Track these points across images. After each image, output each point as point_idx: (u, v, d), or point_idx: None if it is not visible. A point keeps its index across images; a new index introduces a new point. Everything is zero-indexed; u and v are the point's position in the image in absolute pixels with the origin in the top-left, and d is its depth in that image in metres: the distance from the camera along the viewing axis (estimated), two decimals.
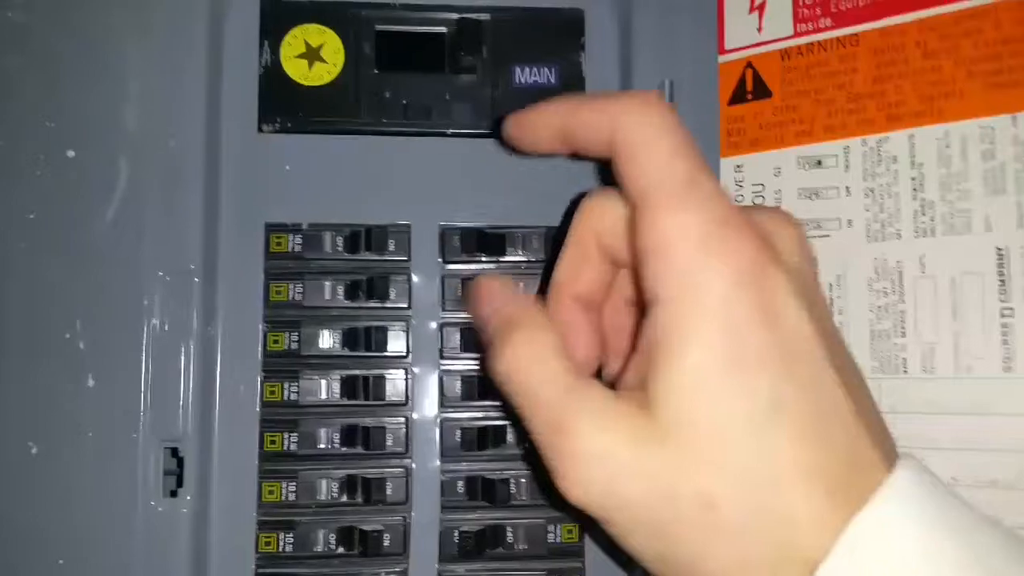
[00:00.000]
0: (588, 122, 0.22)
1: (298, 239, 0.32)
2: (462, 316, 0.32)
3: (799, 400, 0.19)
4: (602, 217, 0.23)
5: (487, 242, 0.32)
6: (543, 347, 0.22)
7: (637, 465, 0.19)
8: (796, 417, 0.18)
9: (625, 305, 0.25)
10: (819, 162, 0.30)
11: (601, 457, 0.19)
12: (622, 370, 0.24)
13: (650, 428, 0.19)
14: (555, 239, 0.32)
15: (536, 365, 0.21)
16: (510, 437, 0.32)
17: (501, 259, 0.32)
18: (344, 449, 0.31)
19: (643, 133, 0.20)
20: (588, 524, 0.29)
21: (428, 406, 0.32)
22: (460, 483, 0.31)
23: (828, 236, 0.30)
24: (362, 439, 0.31)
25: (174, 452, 0.30)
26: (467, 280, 0.32)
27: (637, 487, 0.19)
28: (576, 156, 0.24)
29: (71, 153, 0.30)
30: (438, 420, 0.32)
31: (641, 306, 0.21)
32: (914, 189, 0.28)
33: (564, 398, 0.20)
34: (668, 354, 0.19)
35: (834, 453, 0.18)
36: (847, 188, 0.30)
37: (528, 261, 0.32)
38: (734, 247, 0.19)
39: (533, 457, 0.31)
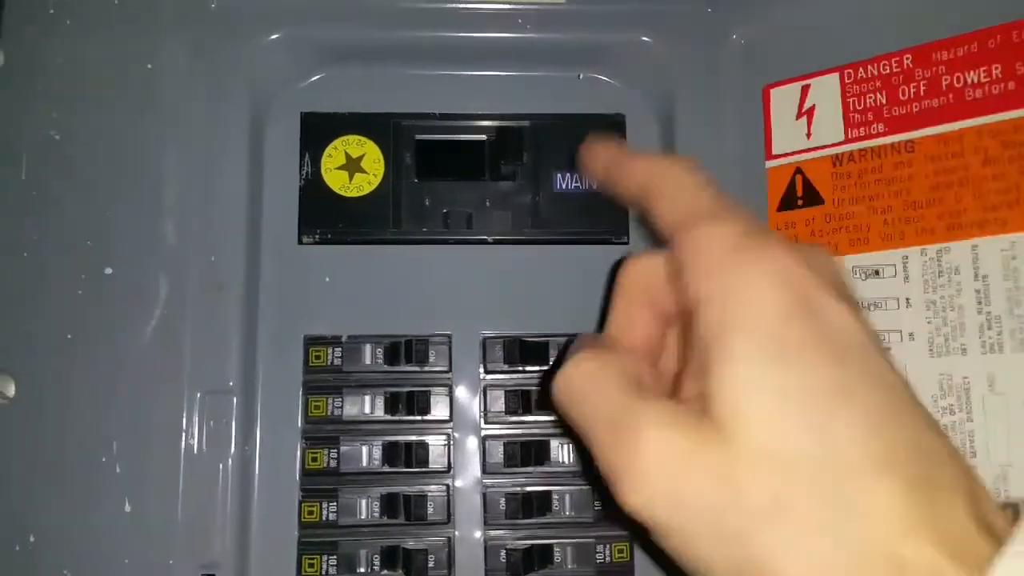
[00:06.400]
0: (629, 166, 0.24)
1: (337, 352, 0.31)
2: (504, 429, 0.31)
3: (859, 388, 0.18)
4: (647, 271, 0.24)
5: (529, 351, 0.32)
6: (606, 362, 0.22)
7: (702, 468, 0.18)
8: (860, 406, 0.18)
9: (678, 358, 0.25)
10: (876, 271, 0.29)
11: (665, 461, 0.19)
12: (674, 391, 0.23)
13: (712, 429, 0.19)
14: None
15: (598, 377, 0.21)
16: (557, 557, 0.31)
17: (544, 368, 0.32)
18: (384, 572, 0.30)
19: (672, 176, 0.23)
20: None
21: (471, 525, 0.31)
22: None
23: (888, 349, 0.28)
24: (403, 561, 0.30)
25: None
26: (510, 391, 0.31)
27: (703, 491, 0.18)
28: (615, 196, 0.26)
29: (109, 271, 0.30)
30: (482, 540, 0.31)
31: (687, 333, 0.21)
32: (979, 302, 0.27)
33: (625, 406, 0.20)
34: (716, 351, 0.19)
35: (905, 443, 0.18)
36: (907, 300, 0.28)
37: None
38: (768, 251, 0.20)
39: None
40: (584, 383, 0.22)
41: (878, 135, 0.29)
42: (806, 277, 0.19)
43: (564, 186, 0.32)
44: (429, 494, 0.31)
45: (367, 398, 0.31)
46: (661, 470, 0.19)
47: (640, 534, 0.21)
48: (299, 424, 0.31)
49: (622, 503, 0.19)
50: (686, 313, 0.21)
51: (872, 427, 0.18)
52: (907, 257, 0.28)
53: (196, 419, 0.29)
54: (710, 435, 0.19)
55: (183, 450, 0.29)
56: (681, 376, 0.22)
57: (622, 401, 0.20)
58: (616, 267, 0.24)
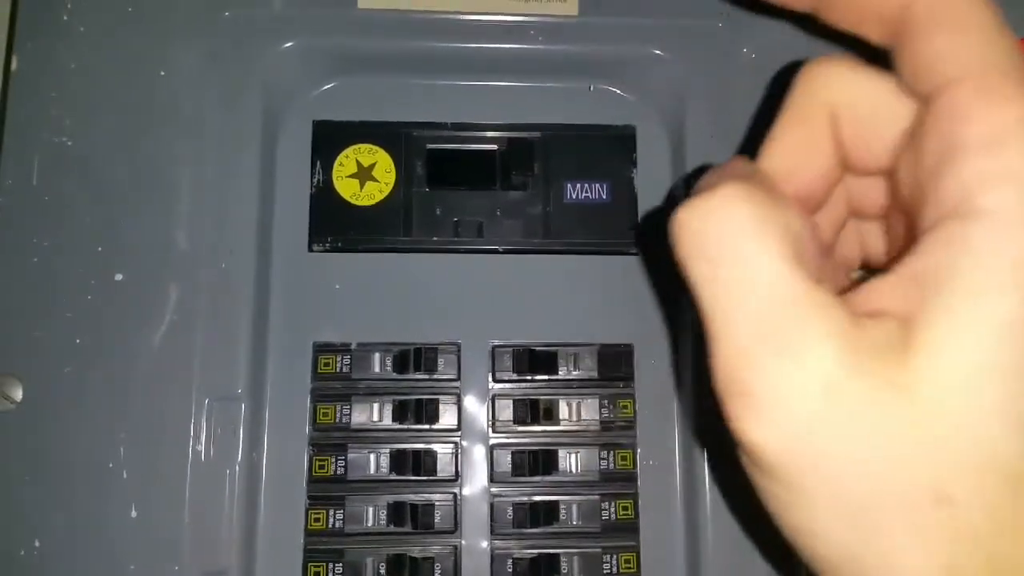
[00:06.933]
0: None
1: (346, 359, 0.31)
2: (512, 438, 0.31)
3: None
4: (848, 91, 0.17)
5: (538, 361, 0.32)
6: (766, 209, 0.15)
7: (871, 422, 0.14)
8: None
9: (848, 219, 0.19)
10: None
11: (826, 389, 0.14)
12: (844, 291, 0.17)
13: (902, 379, 0.14)
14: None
15: (752, 229, 0.15)
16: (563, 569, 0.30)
17: (553, 377, 0.32)
18: None
19: (959, 4, 0.16)
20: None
21: (478, 534, 0.31)
22: None
23: None
24: (409, 570, 0.30)
25: None
26: (518, 401, 0.31)
27: (858, 447, 0.14)
28: (814, 21, 0.18)
29: (119, 276, 0.30)
30: (489, 549, 0.30)
31: (909, 221, 0.16)
32: None
33: (787, 290, 0.15)
34: (970, 292, 0.14)
35: None
36: None
37: (580, 379, 0.32)
38: None
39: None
40: (727, 232, 0.15)
41: None
42: None
43: (575, 196, 0.32)
44: (436, 503, 0.30)
45: (375, 406, 0.31)
46: (817, 400, 0.14)
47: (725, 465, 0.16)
48: (307, 431, 0.31)
49: (737, 429, 0.15)
50: (911, 185, 0.16)
51: None
52: None
53: (204, 425, 0.29)
54: (896, 385, 0.14)
55: (190, 456, 0.29)
56: (872, 269, 0.17)
57: (781, 279, 0.15)
58: (787, 70, 0.18)
